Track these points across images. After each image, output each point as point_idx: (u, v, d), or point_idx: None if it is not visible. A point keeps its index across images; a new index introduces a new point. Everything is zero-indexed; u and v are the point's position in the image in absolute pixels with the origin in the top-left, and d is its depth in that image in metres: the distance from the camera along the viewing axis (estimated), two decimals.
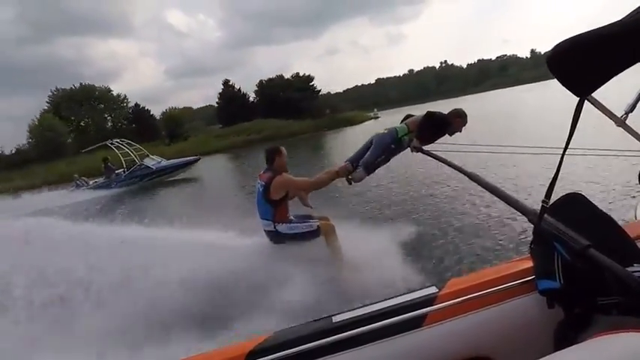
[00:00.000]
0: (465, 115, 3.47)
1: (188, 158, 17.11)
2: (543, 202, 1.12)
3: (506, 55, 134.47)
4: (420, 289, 1.28)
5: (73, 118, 38.54)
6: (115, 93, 42.64)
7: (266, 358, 1.10)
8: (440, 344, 1.13)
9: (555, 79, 0.94)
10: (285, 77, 48.02)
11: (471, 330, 1.15)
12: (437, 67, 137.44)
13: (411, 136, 3.35)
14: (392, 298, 1.27)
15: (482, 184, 1.58)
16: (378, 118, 45.95)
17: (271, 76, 48.67)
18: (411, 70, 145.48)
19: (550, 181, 1.10)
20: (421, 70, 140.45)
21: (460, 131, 3.48)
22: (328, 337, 1.13)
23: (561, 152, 1.04)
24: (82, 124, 39.15)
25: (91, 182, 16.01)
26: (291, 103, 28.76)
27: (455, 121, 3.43)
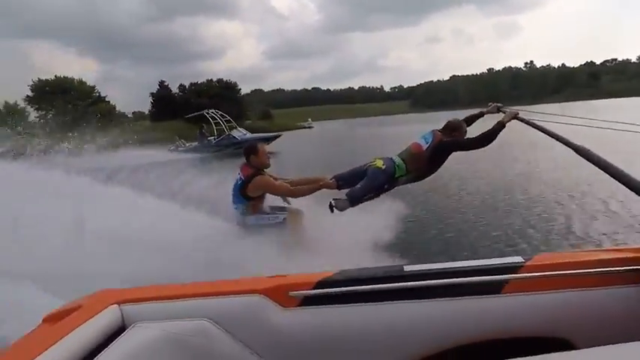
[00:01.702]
0: (461, 124, 3.03)
1: (270, 134, 18.27)
2: None
3: (616, 59, 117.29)
4: (504, 257, 1.18)
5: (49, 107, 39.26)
6: (89, 84, 43.87)
7: (335, 288, 1.09)
8: (516, 315, 1.05)
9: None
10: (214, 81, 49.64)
11: (554, 308, 1.05)
12: (520, 68, 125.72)
13: (408, 177, 3.00)
14: (471, 260, 1.21)
15: (593, 160, 1.40)
16: (311, 127, 47.06)
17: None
18: (490, 69, 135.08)
19: None
20: (500, 70, 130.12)
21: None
22: (399, 283, 1.08)
23: None
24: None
25: (187, 145, 17.95)
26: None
27: (458, 134, 2.98)
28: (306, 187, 3.13)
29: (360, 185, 2.95)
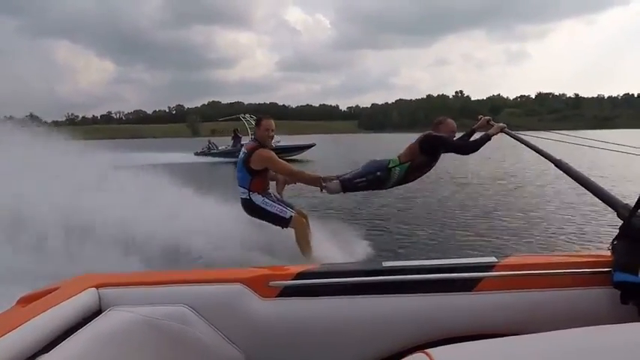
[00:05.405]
0: (444, 119, 3.08)
1: (304, 143, 17.42)
2: None
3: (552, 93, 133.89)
4: (478, 257, 1.17)
5: None
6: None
7: (314, 280, 1.08)
8: (487, 313, 1.04)
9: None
10: None
11: (524, 307, 1.04)
12: (450, 97, 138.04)
13: (401, 169, 3.00)
14: (446, 258, 1.22)
15: (571, 174, 1.40)
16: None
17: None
18: (429, 95, 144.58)
19: None
20: (435, 96, 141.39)
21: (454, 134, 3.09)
22: (377, 277, 1.09)
23: None
24: None
25: (220, 147, 16.16)
26: None
27: (442, 127, 3.02)
28: (307, 175, 3.11)
29: (355, 170, 2.98)
